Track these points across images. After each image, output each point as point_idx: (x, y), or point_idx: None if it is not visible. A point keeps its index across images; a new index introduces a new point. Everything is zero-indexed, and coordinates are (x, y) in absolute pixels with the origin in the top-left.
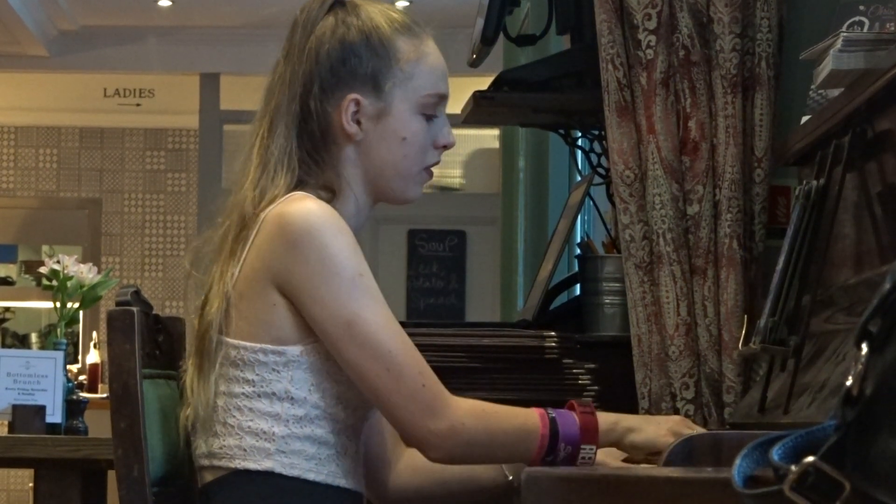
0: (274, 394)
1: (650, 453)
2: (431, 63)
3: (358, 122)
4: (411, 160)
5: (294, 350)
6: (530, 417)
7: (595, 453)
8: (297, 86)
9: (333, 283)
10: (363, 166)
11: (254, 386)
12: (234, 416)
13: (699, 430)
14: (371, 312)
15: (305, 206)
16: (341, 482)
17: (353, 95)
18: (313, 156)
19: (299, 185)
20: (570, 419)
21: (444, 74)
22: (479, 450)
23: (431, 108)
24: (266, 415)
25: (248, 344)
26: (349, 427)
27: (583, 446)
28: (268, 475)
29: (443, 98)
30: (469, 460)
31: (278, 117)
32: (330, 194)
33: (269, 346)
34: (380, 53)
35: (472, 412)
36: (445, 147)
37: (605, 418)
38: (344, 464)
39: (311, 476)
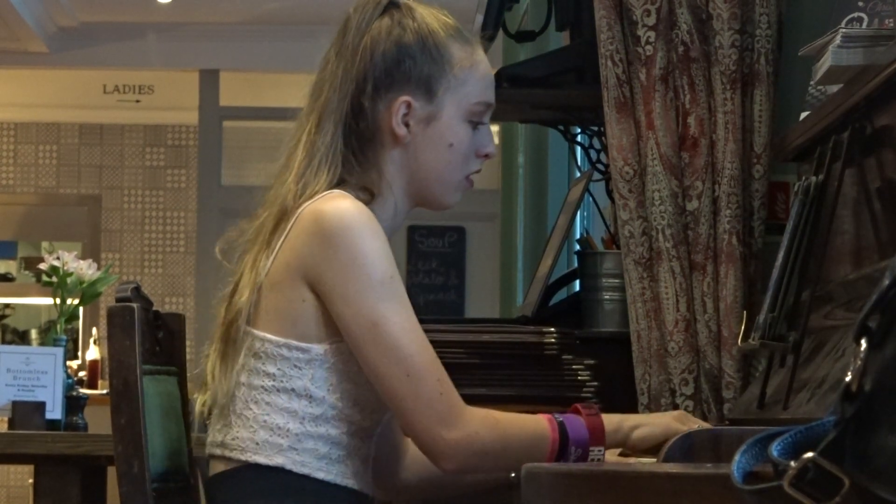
0: (293, 390)
1: (657, 445)
2: (482, 71)
3: (407, 125)
4: (455, 167)
5: (318, 348)
6: (540, 424)
7: (604, 454)
8: (349, 84)
9: (363, 283)
10: (407, 170)
11: (274, 380)
12: (250, 409)
13: (701, 423)
14: (397, 316)
15: (342, 205)
16: (349, 483)
17: (405, 97)
18: (357, 156)
19: (340, 183)
20: (577, 422)
21: (493, 83)
22: (492, 459)
23: (478, 116)
24: (283, 410)
25: (273, 337)
26: (363, 429)
27: (592, 448)
28: (277, 471)
29: (490, 107)
30: (482, 470)
31: (327, 114)
32: (368, 195)
33: (294, 342)
34: (435, 58)
35: (485, 422)
36: (487, 156)
37: (609, 419)
38: (353, 465)
39: (320, 475)
